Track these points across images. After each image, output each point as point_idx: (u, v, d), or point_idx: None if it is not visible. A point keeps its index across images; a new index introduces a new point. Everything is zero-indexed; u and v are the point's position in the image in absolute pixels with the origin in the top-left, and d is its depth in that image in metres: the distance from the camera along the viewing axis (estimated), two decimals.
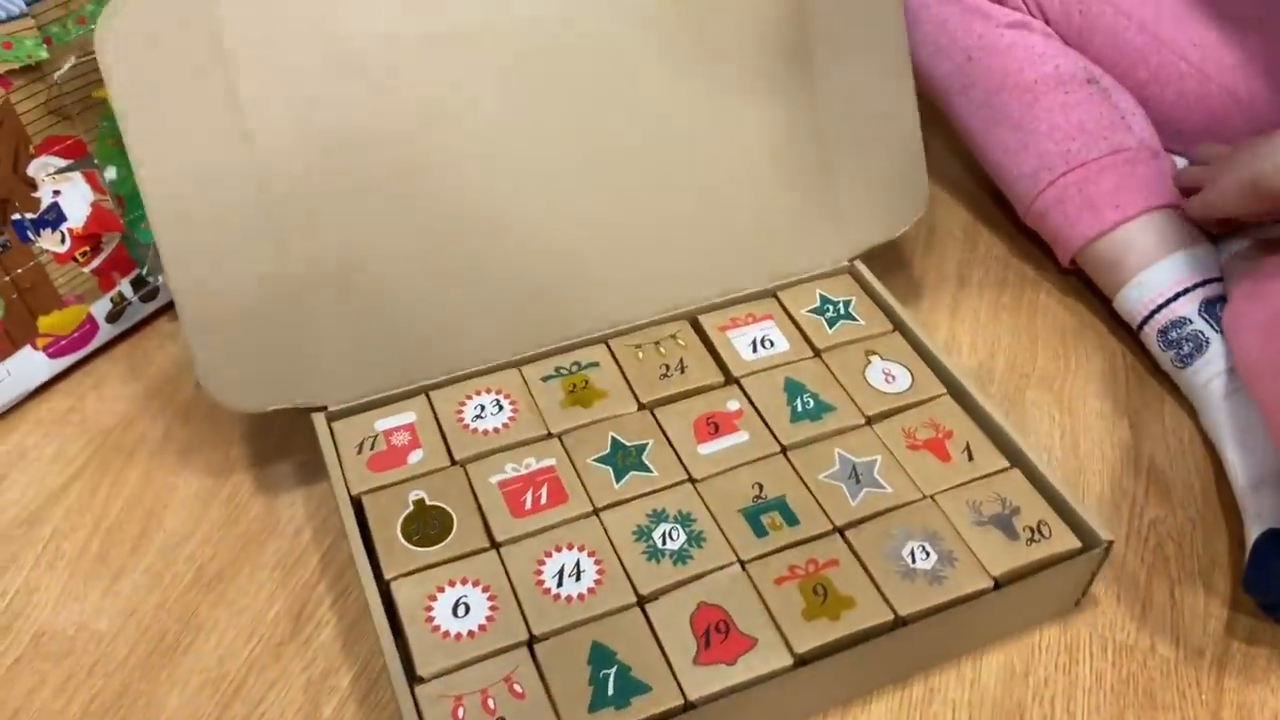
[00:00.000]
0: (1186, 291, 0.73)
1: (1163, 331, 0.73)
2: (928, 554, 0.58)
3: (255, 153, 0.63)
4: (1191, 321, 0.72)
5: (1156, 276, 0.74)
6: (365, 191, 0.68)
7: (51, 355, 0.73)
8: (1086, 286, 0.82)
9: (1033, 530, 0.59)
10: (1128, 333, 0.78)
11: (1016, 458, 0.63)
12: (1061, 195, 0.78)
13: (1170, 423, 0.73)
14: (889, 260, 0.84)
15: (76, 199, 0.71)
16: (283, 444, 0.71)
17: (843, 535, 0.59)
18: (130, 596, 0.62)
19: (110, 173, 0.72)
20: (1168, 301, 0.73)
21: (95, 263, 0.73)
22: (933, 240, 0.88)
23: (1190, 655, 0.60)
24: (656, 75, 0.71)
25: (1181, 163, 0.82)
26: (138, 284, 0.76)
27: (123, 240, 0.74)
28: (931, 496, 0.61)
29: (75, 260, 0.72)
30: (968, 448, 0.63)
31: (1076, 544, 0.59)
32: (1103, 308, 0.80)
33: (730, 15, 0.72)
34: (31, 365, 0.72)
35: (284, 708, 0.58)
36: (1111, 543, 0.58)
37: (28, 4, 0.65)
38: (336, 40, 0.64)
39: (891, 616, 0.56)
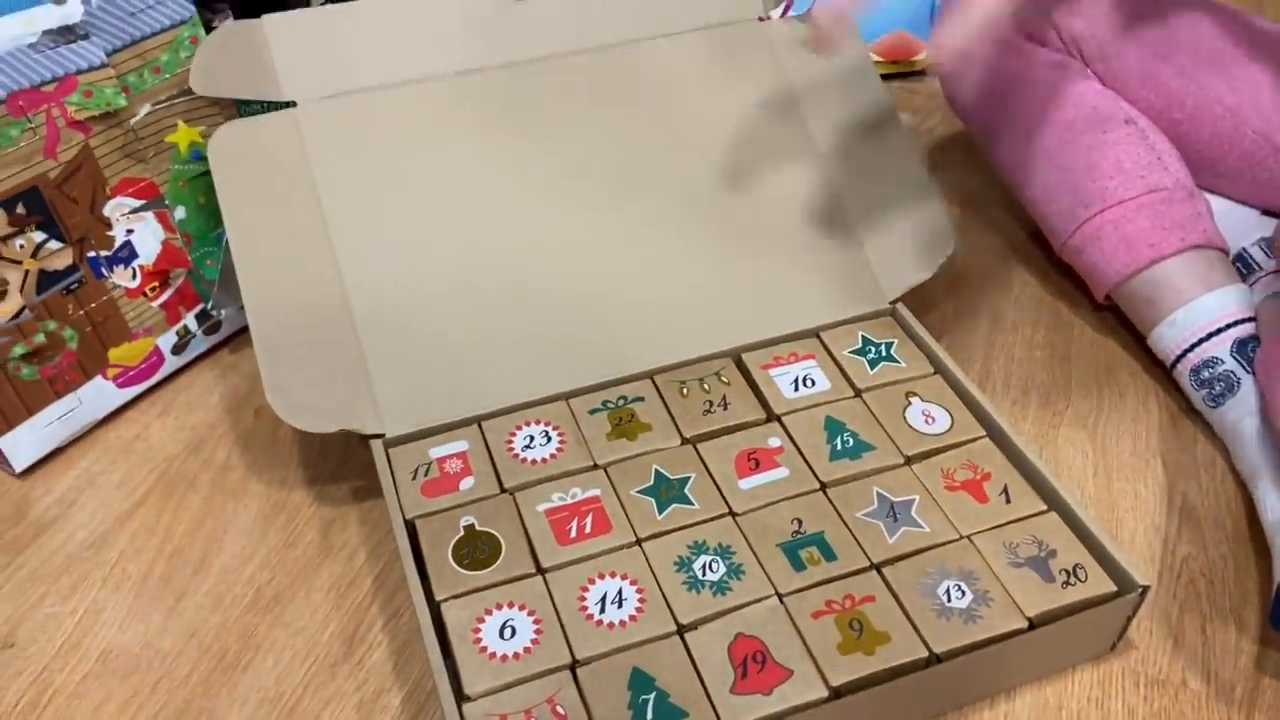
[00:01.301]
0: (1219, 332, 0.73)
1: (1195, 370, 0.74)
2: (963, 593, 0.59)
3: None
4: (1223, 361, 0.72)
5: (1190, 315, 0.74)
6: (426, 224, 0.72)
7: (120, 385, 0.76)
8: (1121, 324, 0.82)
9: (1068, 573, 0.60)
10: (1161, 371, 0.78)
11: (1053, 500, 0.64)
12: (1098, 232, 0.79)
13: (1203, 460, 0.73)
14: (925, 299, 0.85)
15: (148, 237, 0.74)
16: (338, 471, 0.73)
17: (880, 572, 0.61)
18: (192, 617, 0.65)
19: (180, 212, 0.75)
20: (1200, 341, 0.73)
21: (163, 297, 0.76)
22: (967, 279, 0.88)
23: (1221, 690, 0.61)
24: (704, 131, 0.75)
25: (1216, 202, 0.83)
26: (202, 317, 0.79)
27: (189, 276, 0.77)
28: (968, 537, 0.62)
29: (145, 295, 0.75)
30: (1005, 490, 0.65)
31: (1112, 588, 0.59)
32: (1137, 345, 0.80)
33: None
34: (102, 395, 0.75)
35: None
36: (1147, 588, 0.59)
37: (107, 55, 0.69)
38: None
39: (926, 654, 0.57)
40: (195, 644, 0.64)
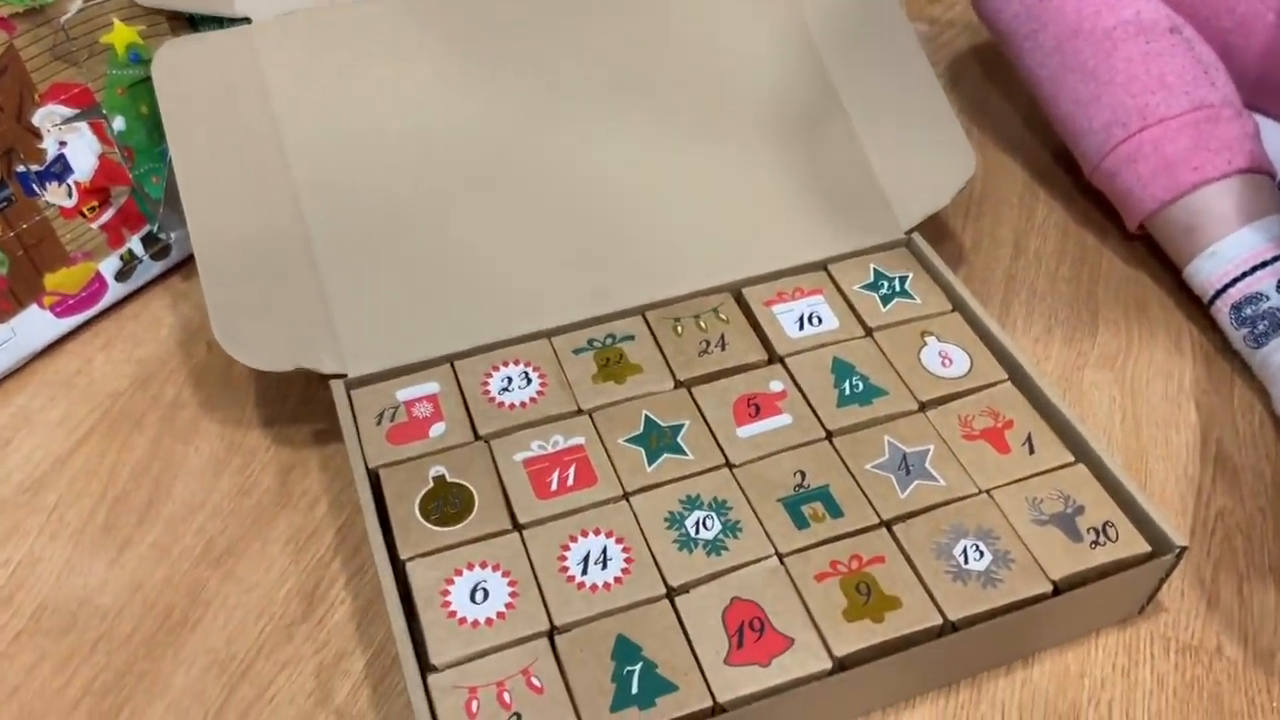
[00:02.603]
0: (1265, 265, 0.68)
1: (1236, 307, 0.69)
2: (981, 554, 0.54)
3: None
4: (1269, 298, 0.67)
5: (1233, 247, 0.69)
6: (393, 149, 0.66)
7: (58, 314, 0.70)
8: (1153, 255, 0.77)
9: (1097, 532, 0.55)
10: (1197, 308, 0.73)
11: (1081, 451, 0.59)
12: (1135, 153, 0.73)
13: (1240, 406, 0.68)
14: (942, 228, 0.80)
15: (83, 150, 0.68)
16: (298, 412, 0.68)
17: (890, 530, 0.56)
18: (136, 570, 0.60)
19: (118, 123, 0.69)
20: (1244, 275, 0.68)
21: (104, 218, 0.70)
22: (986, 206, 0.83)
23: (1260, 658, 0.56)
24: (698, 42, 0.69)
25: (1263, 123, 0.76)
26: (149, 241, 0.73)
27: (132, 195, 0.71)
28: (988, 491, 0.57)
29: (83, 215, 0.69)
30: (1029, 439, 0.59)
31: (1145, 548, 0.54)
32: (1170, 279, 0.75)
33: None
34: (38, 325, 0.69)
35: (294, 692, 0.55)
36: (1185, 549, 0.54)
37: None
38: None
39: (940, 621, 0.52)
40: (139, 600, 0.59)
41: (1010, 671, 0.56)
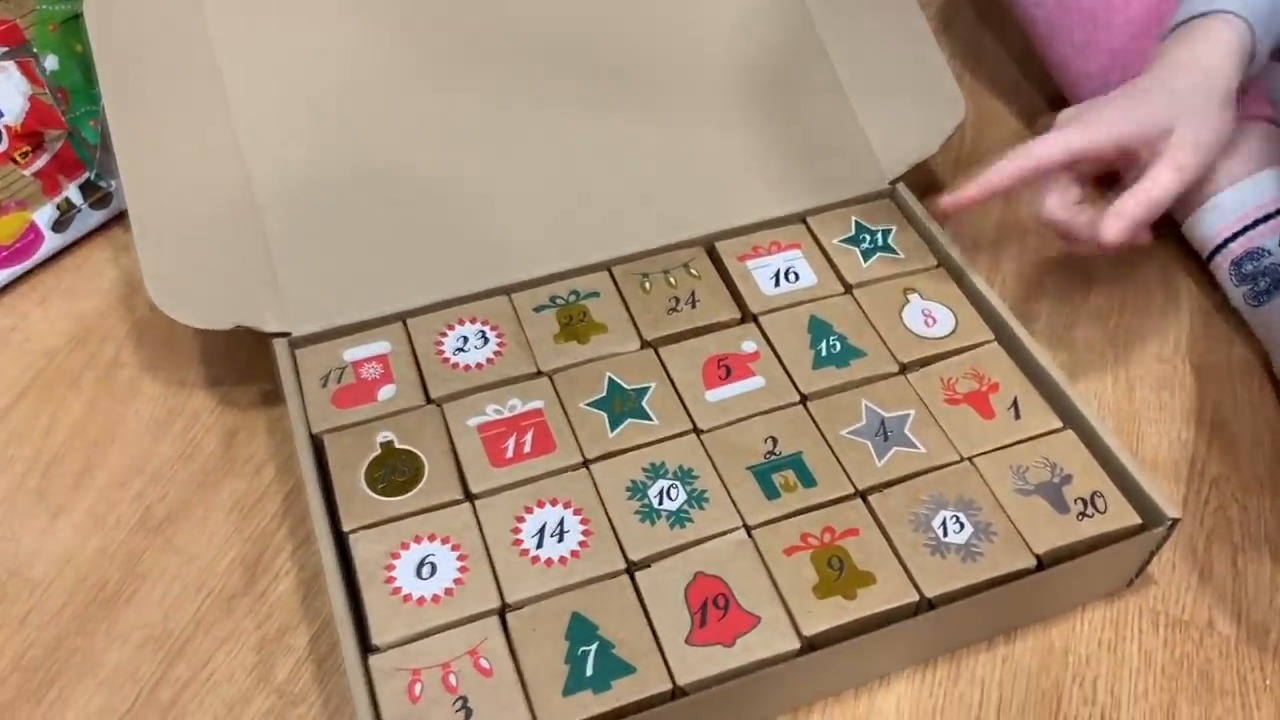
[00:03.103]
0: (1269, 218, 0.65)
1: (1236, 263, 0.66)
2: (962, 526, 0.51)
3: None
4: (1271, 253, 0.64)
5: (1235, 199, 0.66)
6: (344, 95, 0.63)
7: None
8: None
9: (1085, 502, 0.52)
10: (1195, 262, 0.70)
11: (1070, 416, 0.56)
12: None
13: (1239, 368, 0.66)
14: (928, 177, 0.76)
15: (11, 91, 0.64)
16: (245, 372, 0.64)
17: (865, 500, 0.53)
18: (69, 540, 0.57)
19: (50, 62, 0.65)
20: (1245, 229, 0.65)
21: (37, 164, 0.66)
22: (976, 155, 0.79)
23: (1253, 634, 0.54)
24: None
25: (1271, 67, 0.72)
26: (87, 189, 0.69)
27: (68, 140, 0.68)
28: (970, 459, 0.54)
29: (14, 161, 0.65)
30: (1015, 403, 0.56)
31: (1135, 520, 0.51)
32: (1168, 232, 0.72)
33: None
34: None
35: (234, 669, 0.52)
36: (1177, 520, 0.51)
37: None
38: None
39: (916, 598, 0.49)
40: (71, 571, 0.56)
41: (991, 647, 0.54)
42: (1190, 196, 0.68)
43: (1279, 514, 0.59)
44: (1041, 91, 0.83)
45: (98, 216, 0.70)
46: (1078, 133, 0.56)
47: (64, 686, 0.51)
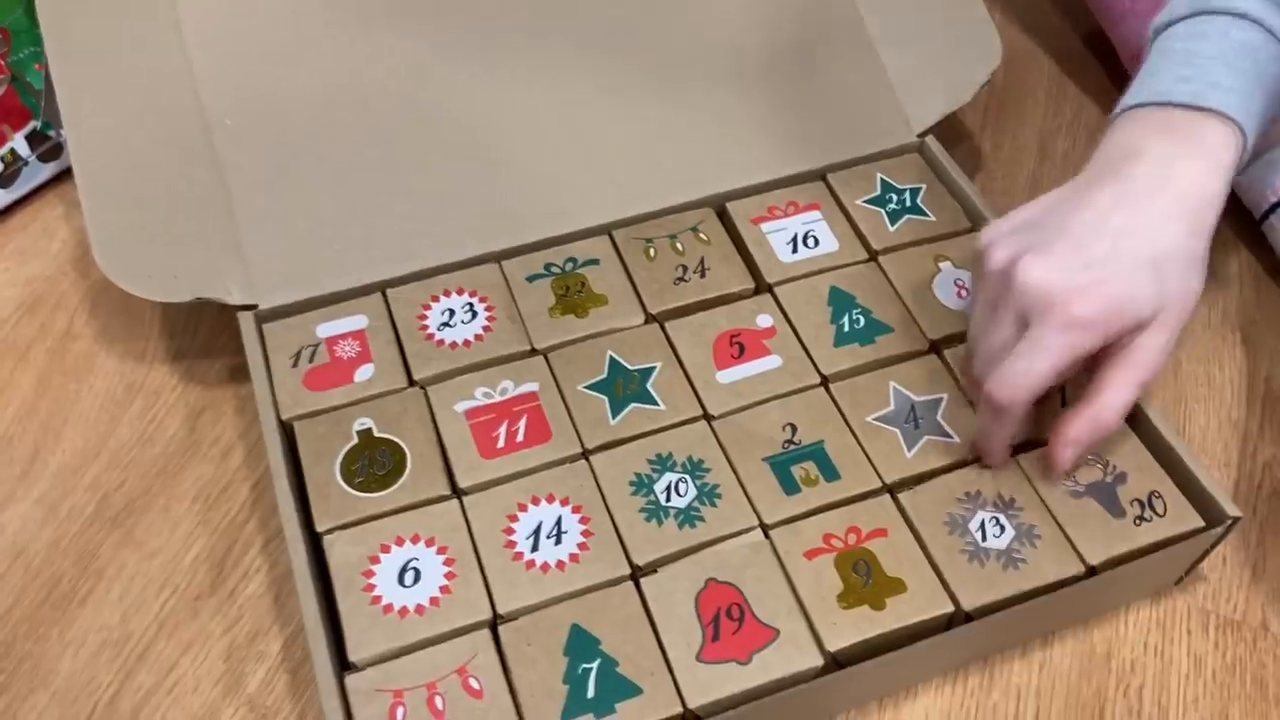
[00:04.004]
0: None
1: None
2: (1002, 529, 0.46)
3: None
4: None
5: None
6: (318, 46, 0.58)
7: None
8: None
9: (1143, 505, 0.47)
10: (1249, 222, 0.66)
11: None
12: None
13: None
14: (956, 130, 0.71)
15: None
16: (210, 344, 0.59)
17: (894, 497, 0.48)
18: (18, 533, 0.52)
19: None
20: None
21: None
22: (1008, 103, 0.74)
23: None
24: None
25: None
26: (34, 139, 0.64)
27: (11, 85, 0.62)
28: (1012, 451, 0.49)
29: None
30: (1062, 389, 0.51)
31: (1198, 522, 0.47)
32: None
33: None
34: None
35: (199, 678, 0.48)
36: (1238, 519, 0.47)
37: None
38: None
39: (951, 609, 0.44)
40: (20, 568, 0.51)
41: (1027, 652, 0.50)
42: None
43: None
44: (1078, 29, 0.78)
45: (47, 170, 0.65)
46: (1057, 350, 0.43)
47: (12, 699, 0.47)
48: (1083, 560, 0.46)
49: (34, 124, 0.63)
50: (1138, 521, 0.47)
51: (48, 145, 0.64)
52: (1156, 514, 0.47)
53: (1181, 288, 0.45)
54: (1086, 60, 0.76)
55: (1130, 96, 0.48)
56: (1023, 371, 0.44)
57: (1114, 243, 0.44)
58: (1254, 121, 0.47)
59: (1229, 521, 0.47)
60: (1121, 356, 0.44)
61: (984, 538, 0.46)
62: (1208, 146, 0.46)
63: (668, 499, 0.47)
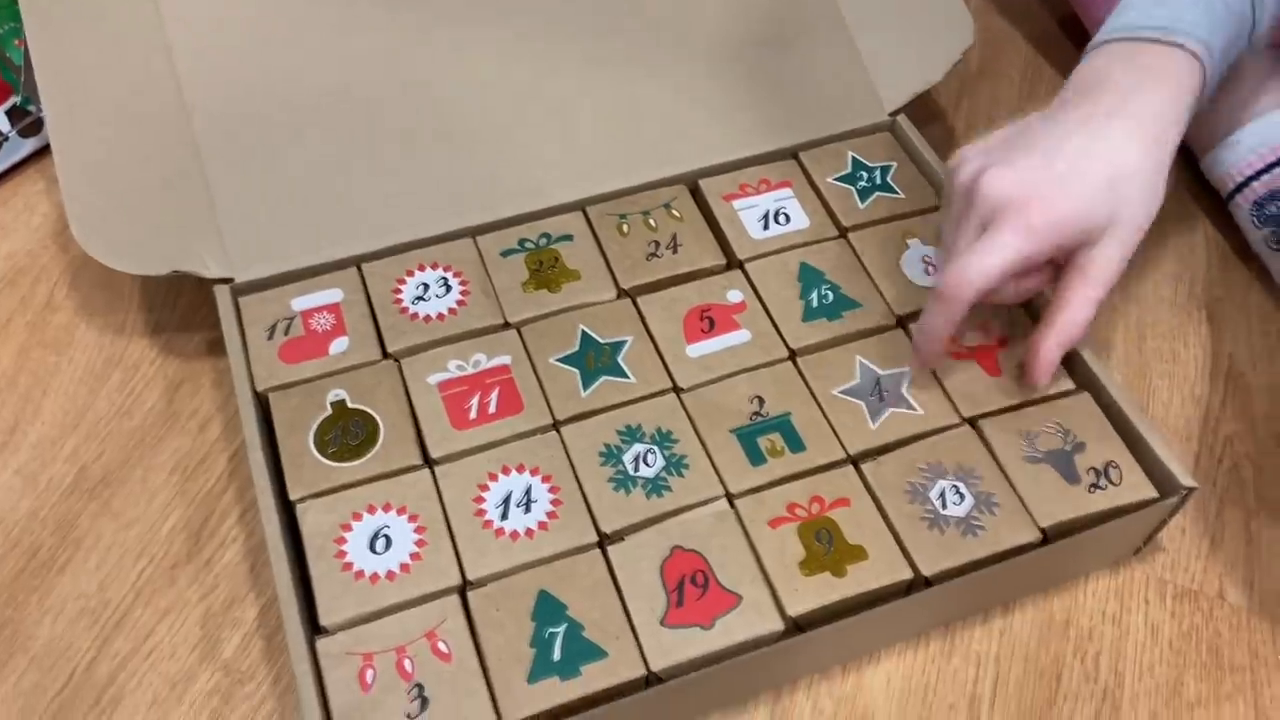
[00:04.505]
0: None
1: (1259, 204, 0.62)
2: (961, 497, 0.47)
3: None
4: None
5: (1258, 134, 0.62)
6: (295, 17, 0.58)
7: None
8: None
9: (1098, 473, 0.48)
10: (1215, 201, 0.66)
11: (1082, 376, 0.51)
12: None
13: (1257, 316, 0.62)
14: (929, 109, 0.71)
15: None
16: (189, 318, 0.60)
17: (857, 467, 0.49)
18: None
19: None
20: (1269, 167, 0.62)
21: None
22: (983, 82, 0.74)
23: (1266, 604, 0.51)
24: None
25: None
26: (15, 114, 0.64)
27: None
28: (973, 421, 0.50)
29: None
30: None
31: (1151, 493, 0.48)
32: (1186, 169, 0.67)
33: None
34: None
35: (176, 644, 0.49)
36: (1192, 490, 0.47)
37: None
38: None
39: (910, 575, 0.45)
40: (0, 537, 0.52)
41: (988, 619, 0.51)
42: (1210, 130, 0.64)
43: None
44: (1054, 12, 0.78)
45: (28, 145, 0.65)
46: (1010, 250, 0.46)
47: None
48: (1036, 525, 0.46)
49: (14, 99, 0.63)
50: (1092, 489, 0.47)
51: (28, 120, 0.64)
52: (1111, 483, 0.48)
53: (1137, 207, 0.47)
54: (1061, 43, 0.76)
55: (1102, 33, 0.51)
56: (974, 266, 0.46)
57: (1074, 160, 0.46)
58: (1216, 57, 0.49)
59: (1183, 493, 0.47)
60: (1078, 271, 0.47)
61: (944, 506, 0.47)
62: (1170, 75, 0.48)
63: (636, 469, 0.48)
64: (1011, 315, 0.54)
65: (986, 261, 0.45)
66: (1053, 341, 0.48)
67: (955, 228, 0.49)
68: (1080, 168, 0.46)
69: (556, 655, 0.43)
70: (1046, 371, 0.48)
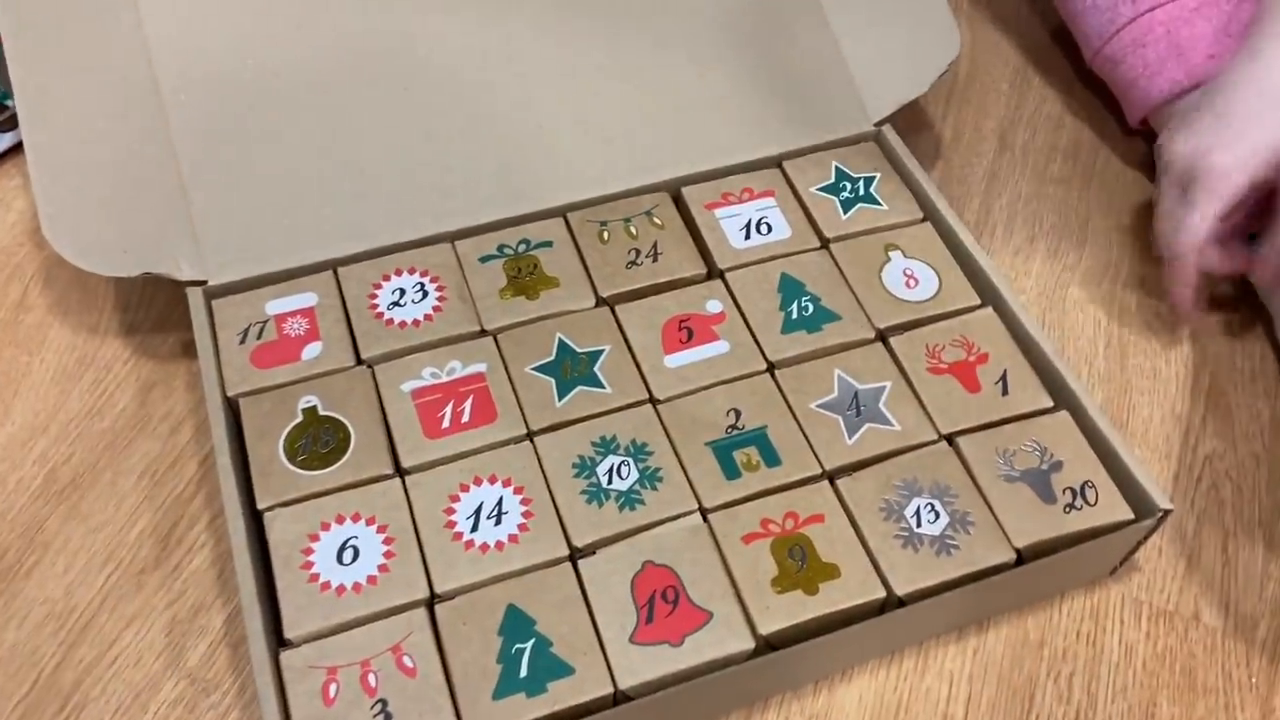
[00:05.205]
0: None
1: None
2: (937, 515, 0.47)
3: None
4: None
5: None
6: (272, 14, 0.56)
7: None
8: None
9: (1075, 493, 0.47)
10: None
11: (1061, 393, 0.51)
12: (1143, 36, 0.64)
13: (1241, 335, 0.61)
14: (916, 117, 0.70)
15: None
16: (165, 319, 0.59)
17: (833, 483, 0.48)
18: None
19: None
20: None
21: None
22: (971, 93, 0.73)
23: (1241, 627, 0.51)
24: None
25: None
26: None
27: None
28: (950, 438, 0.50)
29: None
30: (1004, 377, 0.51)
31: (1127, 514, 0.47)
32: None
33: None
34: None
35: (141, 651, 0.48)
36: (1168, 512, 0.47)
37: None
38: None
39: (883, 595, 0.45)
40: None
41: (962, 638, 0.50)
42: None
43: (1275, 495, 0.55)
44: (1045, 23, 0.77)
45: (5, 140, 0.64)
46: (1202, 206, 0.53)
47: None
48: (1011, 545, 0.46)
49: None
50: (1068, 509, 0.47)
51: (5, 115, 0.63)
52: (1087, 503, 0.47)
53: None
54: (1051, 54, 0.75)
55: None
56: (1180, 225, 0.54)
57: (1245, 100, 0.52)
58: None
59: (1160, 514, 0.47)
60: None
61: (919, 524, 0.46)
62: None
63: (609, 481, 0.47)
64: (991, 331, 0.53)
65: (1189, 219, 0.53)
66: (1272, 256, 0.54)
67: (1162, 194, 0.56)
68: (1251, 103, 0.52)
69: (523, 672, 0.42)
70: (1270, 278, 0.55)
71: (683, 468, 0.48)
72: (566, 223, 0.56)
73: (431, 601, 0.44)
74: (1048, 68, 0.75)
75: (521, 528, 0.46)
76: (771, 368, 0.52)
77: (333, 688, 0.42)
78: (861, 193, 0.58)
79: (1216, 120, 0.53)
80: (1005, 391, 0.51)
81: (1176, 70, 0.62)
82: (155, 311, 0.59)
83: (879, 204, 0.58)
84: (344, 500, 0.46)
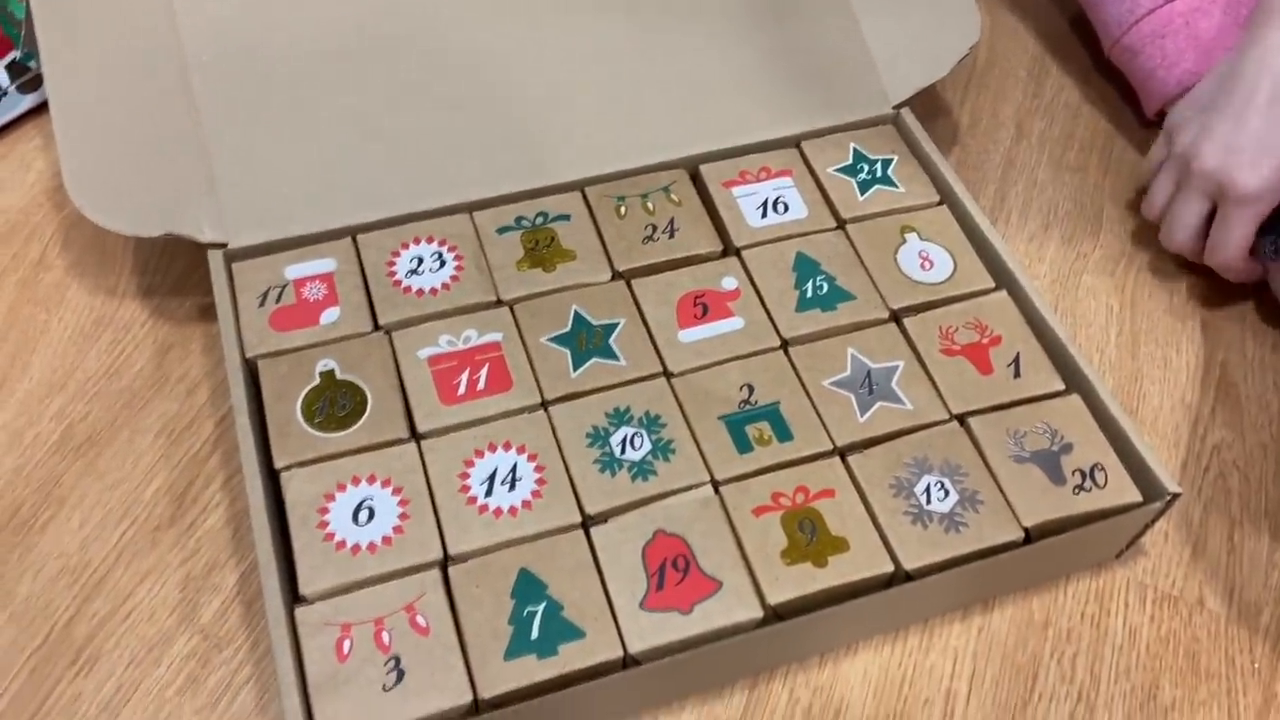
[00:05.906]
0: None
1: None
2: (946, 493, 0.47)
3: None
4: None
5: None
6: None
7: None
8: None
9: (1084, 475, 0.48)
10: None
11: (1073, 377, 0.51)
12: (1163, 27, 0.64)
13: (1251, 325, 0.62)
14: (934, 103, 0.71)
15: None
16: (182, 281, 0.59)
17: (844, 459, 0.48)
18: None
19: None
20: None
21: None
22: (989, 79, 0.73)
23: (1245, 613, 0.51)
24: None
25: None
26: (15, 70, 0.63)
27: None
28: (961, 418, 0.50)
29: None
30: (1016, 360, 0.51)
31: (1136, 497, 0.47)
32: None
33: None
34: None
35: (155, 607, 0.48)
36: (1177, 495, 0.47)
37: None
38: None
39: (891, 569, 0.45)
40: None
41: (967, 616, 0.50)
42: None
43: None
44: (1064, 11, 0.77)
45: (27, 100, 0.64)
46: (1242, 221, 0.56)
47: None
48: (1019, 523, 0.46)
49: (14, 54, 0.62)
50: (1076, 491, 0.47)
51: (28, 76, 0.63)
52: (1096, 485, 0.47)
53: None
54: (1070, 42, 0.76)
55: None
56: (1224, 245, 0.57)
57: (1268, 112, 0.54)
58: None
59: (1168, 497, 0.47)
60: None
61: (928, 501, 0.47)
62: None
63: (622, 452, 0.48)
64: (1005, 314, 0.54)
65: (1231, 239, 0.56)
66: None
67: (1179, 193, 0.58)
68: (1274, 118, 0.53)
69: (534, 634, 0.43)
70: None
71: (695, 440, 0.48)
72: (584, 197, 0.57)
73: (445, 563, 0.45)
74: (1066, 56, 0.75)
75: (535, 494, 0.46)
76: (785, 345, 0.52)
77: (346, 644, 0.42)
78: (879, 174, 0.59)
79: (1239, 134, 0.54)
80: (1017, 374, 0.51)
81: (1195, 62, 0.62)
82: (172, 275, 0.59)
83: (896, 186, 0.58)
84: (360, 462, 0.47)
